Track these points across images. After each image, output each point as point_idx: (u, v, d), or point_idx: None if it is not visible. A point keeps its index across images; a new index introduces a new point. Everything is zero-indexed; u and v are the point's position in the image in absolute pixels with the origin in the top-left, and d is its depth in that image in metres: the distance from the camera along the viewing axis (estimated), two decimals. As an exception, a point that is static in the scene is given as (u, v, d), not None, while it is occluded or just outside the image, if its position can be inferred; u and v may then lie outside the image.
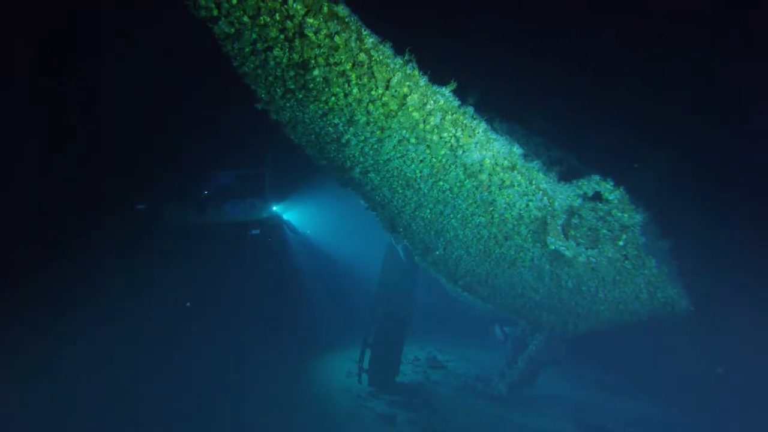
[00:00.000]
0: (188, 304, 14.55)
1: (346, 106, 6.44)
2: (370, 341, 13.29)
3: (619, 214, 6.94)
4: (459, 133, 6.06)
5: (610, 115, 9.42)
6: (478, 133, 6.05)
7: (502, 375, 12.39)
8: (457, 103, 5.89)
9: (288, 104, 7.31)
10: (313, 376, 14.38)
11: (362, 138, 7.16)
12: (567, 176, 7.07)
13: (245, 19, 5.41)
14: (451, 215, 8.09)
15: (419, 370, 14.89)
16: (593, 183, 6.85)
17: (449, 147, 6.38)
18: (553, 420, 11.69)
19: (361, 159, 7.89)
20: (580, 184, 6.85)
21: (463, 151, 6.30)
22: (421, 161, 7.04)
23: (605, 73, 9.17)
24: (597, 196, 6.99)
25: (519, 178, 6.53)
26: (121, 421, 11.05)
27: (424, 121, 6.05)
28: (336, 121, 7.01)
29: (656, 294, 8.00)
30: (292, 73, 6.26)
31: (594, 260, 7.14)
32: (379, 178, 8.24)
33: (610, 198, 6.88)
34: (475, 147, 6.19)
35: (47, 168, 12.69)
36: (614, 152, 9.38)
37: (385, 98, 5.85)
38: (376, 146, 7.23)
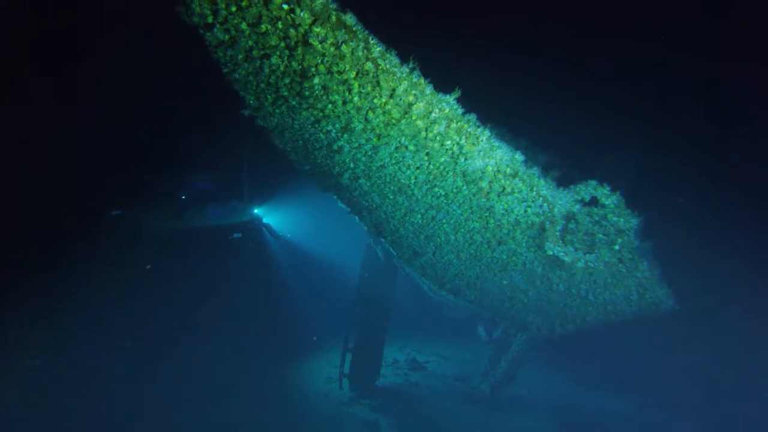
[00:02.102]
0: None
1: (344, 113, 6.24)
2: (350, 345, 13.14)
3: (615, 219, 7.00)
4: (463, 141, 5.96)
5: (595, 115, 9.52)
6: (482, 141, 5.97)
7: (485, 375, 12.43)
8: (461, 110, 5.79)
9: (278, 111, 7.06)
10: (293, 382, 14.12)
11: (356, 145, 6.98)
12: (562, 181, 7.08)
13: (243, 26, 5.14)
14: (444, 220, 8.00)
15: (400, 372, 14.82)
16: (590, 188, 6.88)
17: (450, 154, 6.27)
18: (534, 420, 11.81)
19: (352, 165, 7.71)
20: (578, 189, 6.87)
21: (466, 159, 6.21)
22: (418, 168, 6.92)
23: (593, 76, 9.26)
24: (593, 201, 7.03)
25: (520, 185, 6.49)
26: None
27: (427, 130, 5.92)
28: (330, 128, 6.81)
29: (645, 295, 8.14)
30: (287, 81, 6.02)
31: (592, 265, 7.19)
32: (369, 184, 8.07)
33: (607, 203, 6.93)
34: (479, 155, 6.10)
35: (19, 176, 12.08)
36: (597, 151, 9.49)
37: (388, 107, 5.69)
38: (370, 153, 7.06)
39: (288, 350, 15.62)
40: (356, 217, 11.27)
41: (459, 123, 5.81)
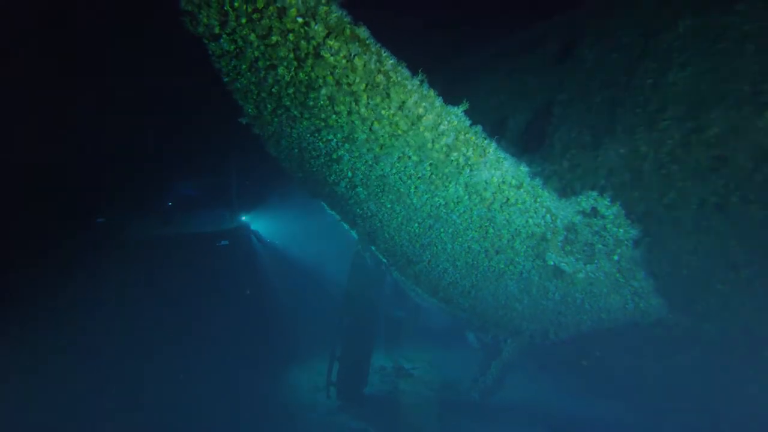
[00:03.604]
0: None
1: (347, 123, 6.17)
2: (337, 354, 13.00)
3: (615, 229, 7.06)
4: (470, 153, 5.93)
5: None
6: (489, 152, 5.96)
7: (474, 382, 12.42)
8: (468, 122, 5.76)
9: (277, 120, 6.96)
10: (280, 391, 13.91)
11: (357, 155, 6.91)
12: (563, 192, 7.13)
13: (252, 37, 5.02)
14: (442, 229, 7.97)
15: (387, 380, 14.71)
16: (591, 199, 6.93)
17: (455, 165, 6.24)
18: (524, 427, 11.76)
19: (350, 174, 7.63)
20: (579, 200, 6.92)
21: (471, 170, 6.18)
22: (419, 178, 6.87)
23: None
24: (593, 212, 7.08)
25: (525, 196, 6.50)
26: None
27: (434, 141, 5.88)
28: (330, 137, 6.73)
29: (640, 304, 8.23)
30: (290, 91, 5.92)
31: (592, 276, 7.24)
32: (366, 193, 8.01)
33: (607, 213, 6.99)
34: (485, 166, 6.08)
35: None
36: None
37: (396, 118, 5.63)
38: (371, 163, 7.00)
39: (275, 358, 15.37)
40: (346, 225, 11.16)
41: (467, 134, 5.78)
